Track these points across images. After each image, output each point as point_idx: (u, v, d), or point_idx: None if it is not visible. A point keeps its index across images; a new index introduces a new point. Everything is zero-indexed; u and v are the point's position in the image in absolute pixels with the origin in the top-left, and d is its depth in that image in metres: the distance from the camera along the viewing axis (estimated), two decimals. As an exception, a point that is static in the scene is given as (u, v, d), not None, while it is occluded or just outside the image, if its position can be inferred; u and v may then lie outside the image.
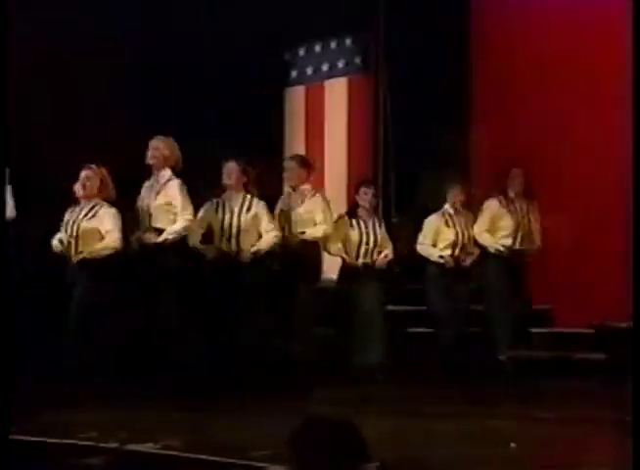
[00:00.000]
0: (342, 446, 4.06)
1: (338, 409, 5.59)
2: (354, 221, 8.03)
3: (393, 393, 7.21)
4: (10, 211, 7.16)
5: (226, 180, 7.63)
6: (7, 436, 4.29)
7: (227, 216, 7.57)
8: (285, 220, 7.87)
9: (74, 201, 7.35)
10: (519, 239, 8.08)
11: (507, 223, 8.06)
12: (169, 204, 7.38)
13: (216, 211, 7.61)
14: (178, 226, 7.35)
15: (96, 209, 7.26)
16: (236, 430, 5.47)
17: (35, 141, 7.90)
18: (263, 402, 6.47)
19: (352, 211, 8.10)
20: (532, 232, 8.14)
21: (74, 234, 7.21)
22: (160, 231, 7.32)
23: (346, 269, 7.98)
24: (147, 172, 7.57)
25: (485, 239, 8.10)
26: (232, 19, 8.99)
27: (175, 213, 7.36)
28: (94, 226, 7.22)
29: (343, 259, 7.99)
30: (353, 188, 8.39)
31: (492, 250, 8.05)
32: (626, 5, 6.73)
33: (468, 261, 8.05)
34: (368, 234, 8.00)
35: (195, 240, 7.56)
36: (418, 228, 8.23)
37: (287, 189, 8.10)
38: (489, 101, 9.09)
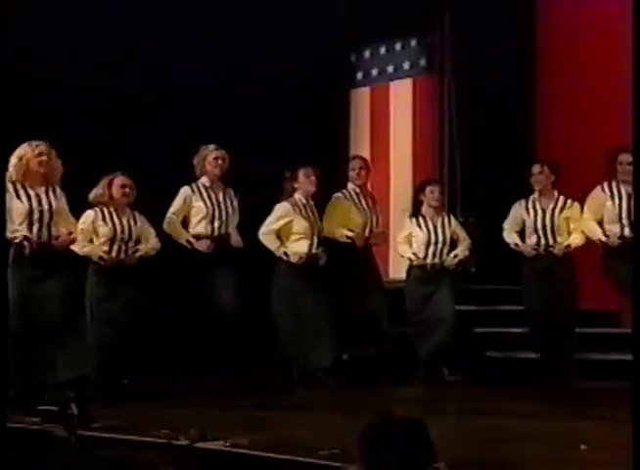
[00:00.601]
0: (412, 444, 4.02)
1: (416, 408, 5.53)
2: (421, 221, 7.85)
3: (469, 392, 7.09)
4: None
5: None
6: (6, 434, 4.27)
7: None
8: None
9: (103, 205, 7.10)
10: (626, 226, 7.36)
11: (610, 212, 7.37)
12: None
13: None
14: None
15: (134, 214, 7.18)
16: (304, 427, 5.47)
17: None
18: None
19: (416, 211, 7.90)
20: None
21: (130, 238, 7.12)
22: None
23: (415, 270, 7.82)
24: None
25: (590, 228, 7.45)
26: (298, 21, 8.98)
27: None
28: (143, 231, 7.16)
29: (411, 260, 7.81)
30: (416, 188, 8.19)
31: (596, 239, 7.42)
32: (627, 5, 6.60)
33: (557, 250, 7.48)
34: (436, 234, 7.78)
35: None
36: (486, 227, 8.08)
37: (353, 187, 7.99)
38: (555, 100, 8.98)
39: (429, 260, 7.76)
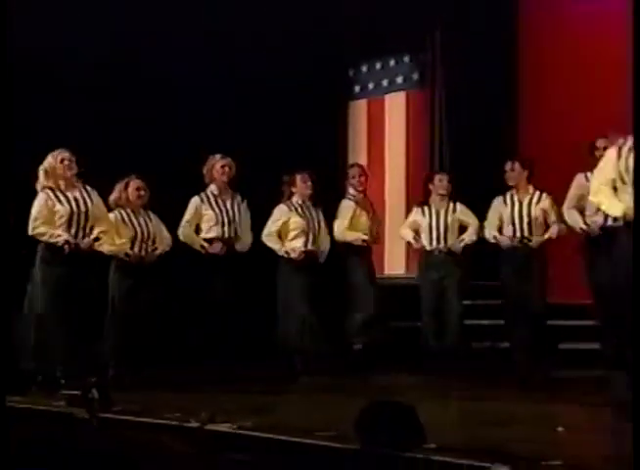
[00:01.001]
0: (402, 427, 4.05)
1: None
2: (426, 209, 7.76)
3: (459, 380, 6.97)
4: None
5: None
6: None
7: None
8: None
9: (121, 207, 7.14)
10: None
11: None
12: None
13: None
14: None
15: (148, 213, 7.22)
16: (304, 411, 5.49)
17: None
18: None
19: (425, 200, 7.83)
20: None
21: (149, 236, 7.17)
22: None
23: (425, 257, 7.74)
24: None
25: (572, 217, 7.12)
26: (302, 39, 9.01)
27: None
28: (158, 229, 7.22)
29: (410, 244, 7.83)
30: (425, 178, 8.11)
31: (577, 229, 7.09)
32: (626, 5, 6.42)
33: (534, 242, 7.31)
34: (439, 219, 7.67)
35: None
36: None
37: (355, 193, 7.98)
38: (538, 111, 8.97)
39: (433, 245, 7.65)
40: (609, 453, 3.98)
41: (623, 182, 5.68)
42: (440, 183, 7.79)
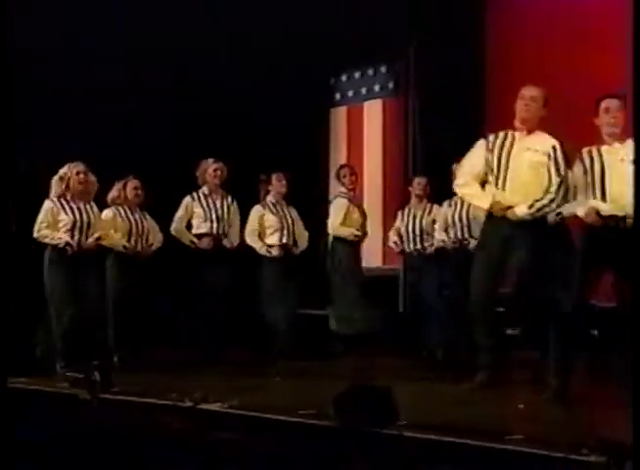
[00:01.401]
0: (378, 407, 4.09)
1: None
2: (405, 211, 7.76)
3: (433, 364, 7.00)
4: None
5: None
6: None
7: None
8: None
9: (119, 205, 7.17)
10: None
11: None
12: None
13: None
14: None
15: (143, 212, 7.27)
16: (288, 392, 5.51)
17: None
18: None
19: (405, 203, 7.83)
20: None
21: (143, 231, 7.22)
22: None
23: (405, 257, 7.74)
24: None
25: None
26: (287, 51, 9.03)
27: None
28: (151, 226, 7.27)
29: (398, 250, 7.77)
30: (406, 182, 8.11)
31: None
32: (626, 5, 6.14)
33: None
34: (414, 222, 7.64)
35: None
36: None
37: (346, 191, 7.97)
38: (504, 115, 8.95)
39: (410, 247, 7.61)
40: (567, 427, 4.01)
41: (492, 173, 5.49)
42: (418, 186, 7.76)
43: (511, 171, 5.45)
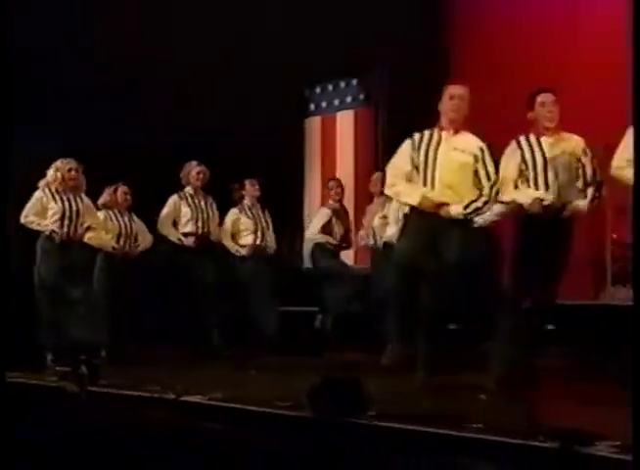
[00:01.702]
0: (349, 398, 4.10)
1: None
2: (367, 209, 7.81)
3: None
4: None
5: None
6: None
7: None
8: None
9: (109, 208, 7.28)
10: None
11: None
12: None
13: None
14: None
15: (132, 215, 7.36)
16: (266, 385, 5.52)
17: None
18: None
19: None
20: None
21: (132, 233, 7.28)
22: None
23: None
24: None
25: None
26: (265, 65, 9.07)
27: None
28: (140, 228, 7.34)
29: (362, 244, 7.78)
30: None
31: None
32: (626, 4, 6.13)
33: None
34: (371, 219, 7.55)
35: None
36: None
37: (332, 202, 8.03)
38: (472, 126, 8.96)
39: (371, 242, 7.56)
40: (523, 416, 4.04)
41: (418, 172, 5.24)
42: (371, 183, 7.78)
43: (439, 171, 5.20)
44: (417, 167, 5.25)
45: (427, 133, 5.34)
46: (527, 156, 5.16)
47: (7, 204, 6.76)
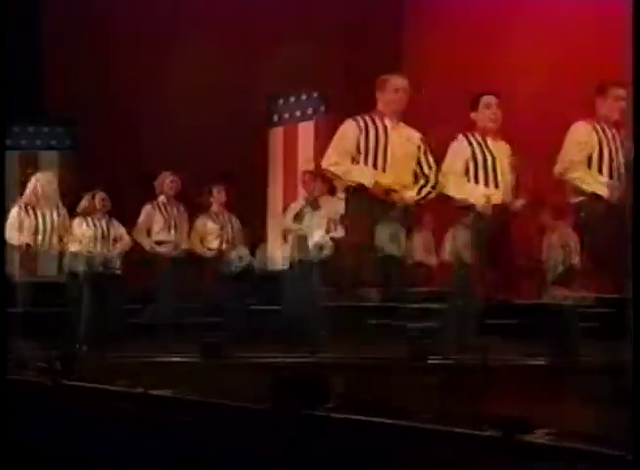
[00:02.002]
0: (312, 394, 4.12)
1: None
2: None
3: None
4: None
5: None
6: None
7: None
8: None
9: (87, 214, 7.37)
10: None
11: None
12: None
13: None
14: None
15: (111, 220, 7.45)
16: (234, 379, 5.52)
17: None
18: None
19: None
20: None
21: (109, 236, 7.34)
22: None
23: None
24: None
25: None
26: (233, 80, 9.13)
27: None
28: (118, 231, 7.40)
29: None
30: None
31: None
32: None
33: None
34: None
35: None
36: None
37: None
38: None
39: None
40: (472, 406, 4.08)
41: (366, 156, 5.10)
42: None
43: (390, 157, 5.11)
44: (365, 151, 5.08)
45: (368, 119, 5.19)
46: (478, 153, 5.17)
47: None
